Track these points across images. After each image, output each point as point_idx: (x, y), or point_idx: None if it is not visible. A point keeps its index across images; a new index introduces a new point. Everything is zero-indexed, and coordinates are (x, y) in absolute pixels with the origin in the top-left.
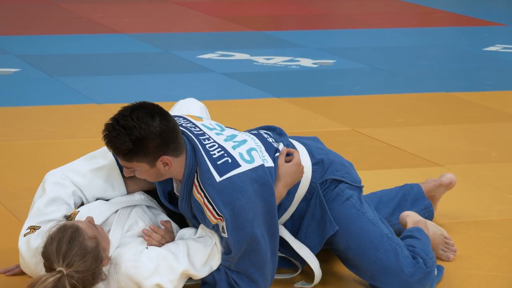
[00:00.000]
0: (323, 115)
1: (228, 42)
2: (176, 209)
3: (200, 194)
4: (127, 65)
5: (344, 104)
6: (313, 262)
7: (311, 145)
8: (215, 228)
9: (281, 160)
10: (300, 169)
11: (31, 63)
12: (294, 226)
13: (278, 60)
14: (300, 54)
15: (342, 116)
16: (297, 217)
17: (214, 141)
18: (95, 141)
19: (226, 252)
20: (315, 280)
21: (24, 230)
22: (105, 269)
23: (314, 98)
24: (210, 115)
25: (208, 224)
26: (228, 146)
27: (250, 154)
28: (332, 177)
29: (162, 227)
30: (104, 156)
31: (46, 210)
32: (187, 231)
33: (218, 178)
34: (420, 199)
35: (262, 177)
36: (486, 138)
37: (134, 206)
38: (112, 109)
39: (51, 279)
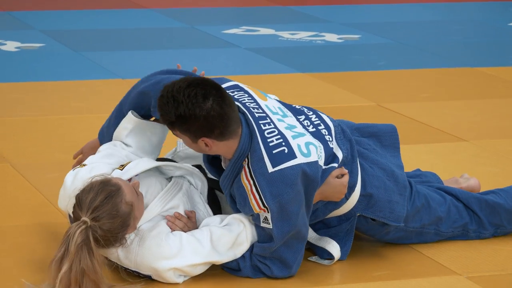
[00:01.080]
0: (348, 90)
1: (253, 17)
2: (217, 176)
3: (249, 181)
4: (152, 40)
5: (369, 79)
6: (333, 250)
7: (370, 172)
8: (254, 217)
9: (335, 173)
10: (342, 191)
11: (56, 38)
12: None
13: (303, 35)
14: (325, 29)
15: (367, 91)
16: (320, 220)
17: (275, 127)
18: None
19: (264, 240)
20: (334, 260)
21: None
22: (129, 236)
23: (339, 73)
24: None
25: (247, 210)
26: (288, 135)
27: (308, 148)
28: (372, 217)
29: (186, 216)
30: (130, 121)
31: (102, 159)
32: (212, 220)
33: (270, 169)
34: None
35: (313, 173)
36: (511, 113)
37: (181, 188)
38: None
39: (78, 230)
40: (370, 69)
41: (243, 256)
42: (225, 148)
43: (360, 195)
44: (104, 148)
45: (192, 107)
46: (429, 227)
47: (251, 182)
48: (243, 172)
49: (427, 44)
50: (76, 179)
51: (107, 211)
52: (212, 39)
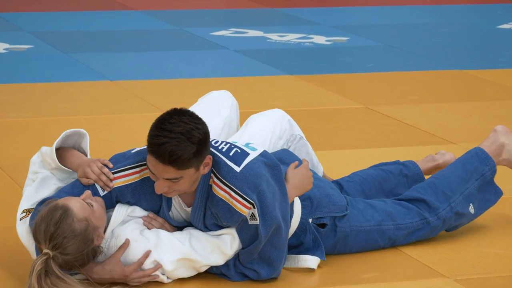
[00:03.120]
0: (336, 92)
1: (241, 19)
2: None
3: (224, 190)
4: (140, 42)
5: (357, 81)
6: (310, 264)
7: None
8: (242, 221)
9: (292, 165)
10: (309, 174)
11: (44, 39)
12: None
13: (291, 37)
14: (313, 31)
15: (355, 93)
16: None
17: (215, 139)
18: (108, 117)
19: (248, 244)
20: (315, 266)
21: (19, 215)
22: (104, 242)
23: (327, 75)
24: None
25: (236, 219)
26: (229, 141)
27: (249, 146)
28: (320, 215)
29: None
30: (52, 159)
31: (38, 191)
32: (194, 228)
33: (237, 169)
34: (418, 181)
35: (271, 160)
36: (499, 116)
37: None
38: (125, 85)
39: (39, 261)
40: (359, 71)
41: (226, 264)
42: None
43: (301, 201)
44: (37, 169)
45: (201, 127)
46: (386, 223)
47: (227, 189)
48: (214, 187)
49: (415, 47)
50: (28, 231)
51: (63, 235)
52: (201, 41)
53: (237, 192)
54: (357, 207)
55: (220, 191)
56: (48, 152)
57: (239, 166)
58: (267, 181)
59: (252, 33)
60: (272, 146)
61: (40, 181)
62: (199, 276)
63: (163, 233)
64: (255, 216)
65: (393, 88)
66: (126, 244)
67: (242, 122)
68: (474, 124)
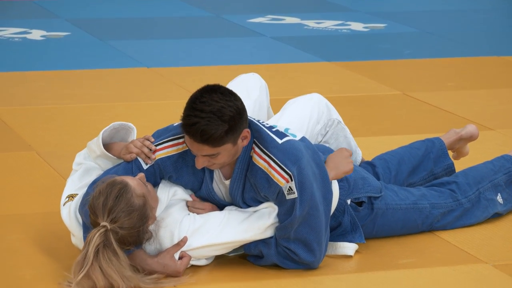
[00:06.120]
0: (373, 79)
1: (278, 6)
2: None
3: (264, 159)
4: (177, 29)
5: (395, 68)
6: (349, 251)
7: None
8: (279, 194)
9: (330, 154)
10: (347, 154)
11: (82, 27)
12: None
13: (328, 24)
14: (351, 18)
15: (392, 80)
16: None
17: (257, 119)
18: (145, 104)
19: (283, 220)
20: (353, 253)
21: (63, 200)
22: (151, 227)
23: (364, 62)
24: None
25: (273, 189)
26: (270, 123)
27: (288, 132)
28: (357, 195)
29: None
30: (98, 146)
31: (82, 179)
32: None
33: (279, 141)
34: (442, 157)
35: (310, 145)
36: None
37: None
38: (162, 72)
39: (97, 234)
40: (396, 58)
41: (265, 242)
42: None
43: (338, 182)
44: (81, 160)
45: (232, 104)
46: (422, 202)
47: (267, 158)
48: (255, 156)
49: (452, 33)
50: (72, 218)
51: (122, 209)
52: (238, 28)
53: (276, 162)
54: (391, 189)
55: (260, 160)
56: (94, 140)
57: (281, 139)
58: (308, 160)
59: (289, 20)
60: (309, 130)
61: (84, 170)
62: (236, 264)
63: (199, 220)
64: (292, 190)
65: (431, 74)
66: (183, 241)
67: (274, 106)
68: None
